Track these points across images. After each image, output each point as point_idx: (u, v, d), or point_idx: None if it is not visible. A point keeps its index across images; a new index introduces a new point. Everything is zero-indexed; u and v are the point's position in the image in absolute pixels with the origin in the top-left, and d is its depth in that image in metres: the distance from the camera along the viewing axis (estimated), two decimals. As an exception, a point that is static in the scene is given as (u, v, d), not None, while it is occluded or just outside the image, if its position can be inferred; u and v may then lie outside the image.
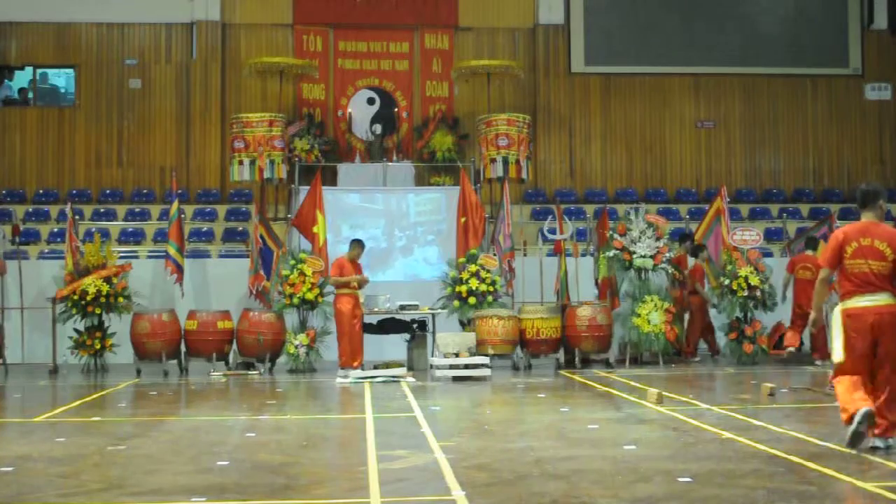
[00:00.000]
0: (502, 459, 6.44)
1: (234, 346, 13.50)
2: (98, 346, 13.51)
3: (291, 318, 13.62)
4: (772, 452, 6.53)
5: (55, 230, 17.38)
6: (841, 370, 6.62)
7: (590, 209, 18.38)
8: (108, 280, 13.40)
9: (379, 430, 7.86)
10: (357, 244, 13.43)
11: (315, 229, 14.44)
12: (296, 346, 13.18)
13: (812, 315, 7.08)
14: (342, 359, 12.83)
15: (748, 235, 13.65)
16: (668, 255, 13.56)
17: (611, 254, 13.55)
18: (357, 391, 10.84)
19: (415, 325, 13.58)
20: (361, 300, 13.16)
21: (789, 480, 5.70)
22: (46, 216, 18.10)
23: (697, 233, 15.00)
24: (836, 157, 20.16)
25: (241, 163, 16.62)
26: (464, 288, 13.49)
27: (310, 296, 13.27)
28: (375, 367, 12.34)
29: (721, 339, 14.13)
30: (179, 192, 15.10)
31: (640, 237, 13.50)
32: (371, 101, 19.46)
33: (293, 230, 15.76)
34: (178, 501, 5.39)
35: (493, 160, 16.70)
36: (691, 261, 14.58)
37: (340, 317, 12.95)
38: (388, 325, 13.68)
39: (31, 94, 19.52)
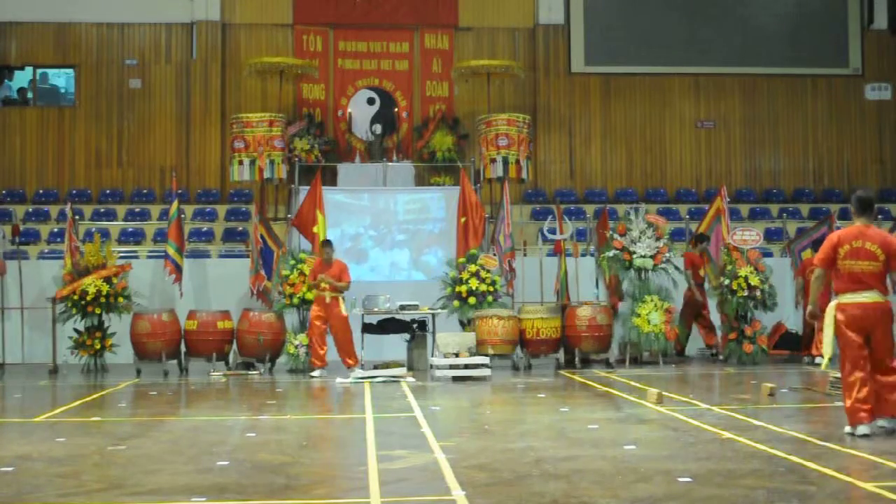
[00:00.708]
0: (502, 459, 6.44)
1: (234, 346, 13.50)
2: (98, 346, 13.51)
3: (291, 318, 13.63)
4: (772, 452, 6.53)
5: (55, 230, 17.38)
6: (842, 363, 7.20)
7: (590, 209, 18.38)
8: (108, 280, 13.40)
9: (379, 430, 7.86)
10: (324, 245, 13.28)
11: (315, 229, 14.45)
12: (296, 346, 13.18)
13: (809, 308, 7.61)
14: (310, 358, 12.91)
15: (748, 235, 13.65)
16: (667, 255, 13.57)
17: (611, 254, 13.56)
18: (357, 391, 10.84)
19: (415, 325, 13.57)
20: (341, 302, 12.79)
21: (789, 480, 5.70)
22: (46, 216, 18.10)
23: (697, 233, 15.00)
24: (836, 157, 20.16)
25: (241, 163, 16.63)
26: (464, 288, 13.50)
27: (310, 296, 13.26)
28: (375, 367, 12.34)
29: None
30: (179, 192, 15.10)
31: (640, 237, 13.50)
32: (371, 101, 19.46)
33: (293, 230, 15.76)
34: (178, 501, 5.39)
35: (493, 160, 16.70)
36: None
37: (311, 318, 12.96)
38: (388, 325, 13.67)
39: (30, 94, 19.52)
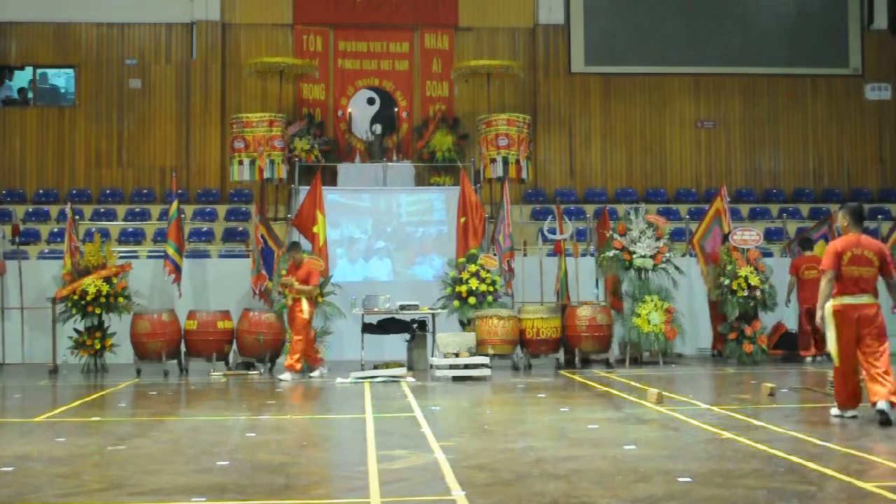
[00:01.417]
0: (502, 459, 6.44)
1: (234, 346, 13.50)
2: (98, 346, 13.51)
3: (291, 318, 13.61)
4: (772, 452, 6.53)
5: (55, 230, 17.38)
6: (837, 355, 7.91)
7: (590, 209, 18.38)
8: (108, 280, 13.40)
9: (379, 430, 7.86)
10: (290, 248, 13.12)
11: (315, 229, 14.43)
12: (296, 346, 13.15)
13: (819, 313, 8.05)
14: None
15: (748, 235, 13.64)
16: (667, 255, 13.57)
17: (611, 254, 13.56)
18: (357, 391, 10.84)
19: (415, 325, 13.57)
20: (304, 304, 12.38)
21: (789, 480, 5.70)
22: (46, 216, 18.10)
23: (697, 233, 15.01)
24: (836, 157, 20.16)
25: (241, 163, 16.62)
26: (464, 288, 13.50)
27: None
28: (375, 367, 12.34)
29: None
30: (179, 192, 15.11)
31: (640, 237, 13.51)
32: (371, 101, 19.46)
33: (293, 230, 15.76)
34: (178, 501, 5.38)
35: (493, 160, 16.70)
36: None
37: None
38: (388, 325, 13.67)
39: (31, 94, 19.52)
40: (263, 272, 14.31)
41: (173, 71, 19.23)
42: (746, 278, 13.28)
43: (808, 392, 10.24)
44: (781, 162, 20.04)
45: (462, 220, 14.92)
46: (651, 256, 13.45)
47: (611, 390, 10.48)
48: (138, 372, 12.99)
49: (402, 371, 12.19)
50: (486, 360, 12.24)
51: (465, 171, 16.01)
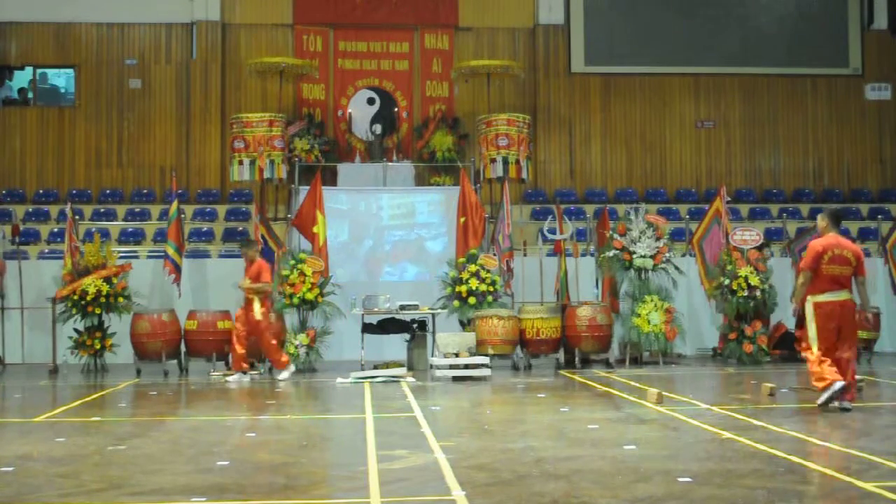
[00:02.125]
0: (502, 459, 6.44)
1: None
2: (98, 346, 13.51)
3: (291, 318, 13.62)
4: (772, 452, 6.53)
5: (55, 230, 17.38)
6: (811, 347, 8.59)
7: (590, 209, 18.38)
8: (108, 280, 13.40)
9: (379, 430, 7.86)
10: (243, 245, 13.06)
11: (315, 229, 14.44)
12: (296, 346, 13.17)
13: (797, 307, 8.95)
14: None
15: (748, 235, 13.65)
16: (667, 255, 13.56)
17: (611, 254, 13.56)
18: (357, 391, 10.84)
19: (415, 325, 13.58)
20: (256, 304, 12.24)
21: (789, 480, 5.70)
22: (46, 216, 18.10)
23: (696, 233, 15.00)
24: (836, 157, 20.16)
25: (241, 163, 16.61)
26: (464, 288, 13.50)
27: (310, 296, 13.26)
28: (375, 367, 12.34)
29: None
30: (179, 192, 15.11)
31: (640, 237, 13.51)
32: (371, 101, 19.46)
33: (293, 230, 15.76)
34: (178, 501, 5.38)
35: (493, 160, 16.69)
36: None
37: None
38: (388, 325, 13.67)
39: (31, 94, 19.52)
40: (263, 272, 14.29)
41: (173, 71, 19.23)
42: (746, 278, 13.28)
43: (808, 392, 10.23)
44: (781, 162, 20.04)
45: (462, 220, 14.92)
46: (651, 256, 13.45)
47: (611, 390, 10.48)
48: (138, 372, 13.00)
49: (402, 371, 12.19)
50: (486, 360, 12.24)
51: (465, 171, 16.01)
